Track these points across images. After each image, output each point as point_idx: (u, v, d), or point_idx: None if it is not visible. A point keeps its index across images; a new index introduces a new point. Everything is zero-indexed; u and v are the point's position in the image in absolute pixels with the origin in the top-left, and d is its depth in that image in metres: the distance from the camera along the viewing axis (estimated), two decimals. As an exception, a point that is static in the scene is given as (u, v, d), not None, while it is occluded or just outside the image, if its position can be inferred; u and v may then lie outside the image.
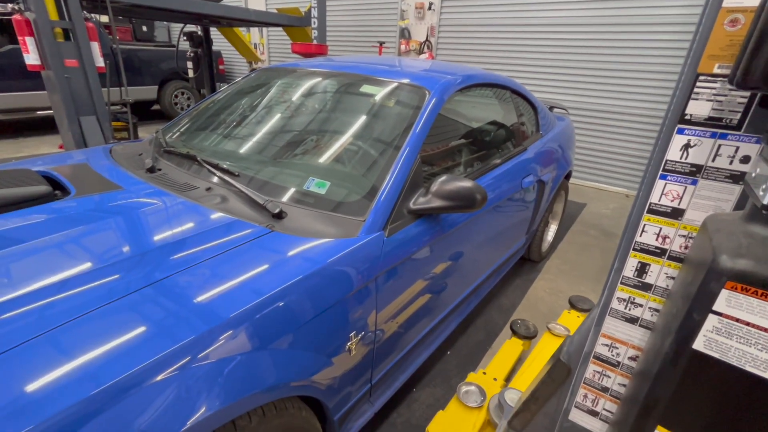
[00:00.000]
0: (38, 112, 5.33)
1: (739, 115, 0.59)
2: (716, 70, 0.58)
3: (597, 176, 4.65)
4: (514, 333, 1.74)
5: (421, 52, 5.51)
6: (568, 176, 2.73)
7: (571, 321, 1.82)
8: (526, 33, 4.63)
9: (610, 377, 0.81)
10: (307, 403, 1.09)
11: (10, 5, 2.68)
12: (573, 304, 1.92)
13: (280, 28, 6.28)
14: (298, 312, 0.92)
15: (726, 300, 0.50)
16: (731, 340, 0.51)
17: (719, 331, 0.51)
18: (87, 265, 0.89)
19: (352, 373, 1.13)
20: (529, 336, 1.71)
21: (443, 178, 1.23)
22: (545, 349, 1.62)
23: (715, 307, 0.51)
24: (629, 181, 4.45)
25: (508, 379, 1.59)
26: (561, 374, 0.86)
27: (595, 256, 2.93)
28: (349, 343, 1.07)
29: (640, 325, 0.75)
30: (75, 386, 0.64)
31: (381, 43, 5.75)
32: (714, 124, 0.61)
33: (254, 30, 7.58)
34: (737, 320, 0.50)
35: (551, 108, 3.05)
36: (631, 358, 0.77)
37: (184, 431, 0.69)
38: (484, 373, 1.50)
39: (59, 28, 2.64)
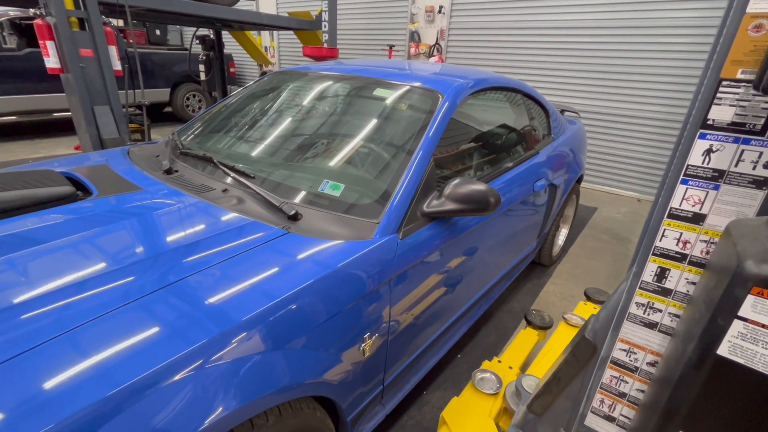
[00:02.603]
0: (54, 114, 5.45)
1: (763, 121, 0.58)
2: (740, 76, 0.58)
3: (608, 180, 4.60)
4: (529, 323, 1.71)
5: (430, 55, 5.52)
6: (579, 180, 2.71)
7: (588, 312, 1.79)
8: (536, 36, 4.61)
9: (627, 383, 0.80)
10: (321, 404, 1.09)
11: (32, 10, 2.75)
12: (589, 296, 1.89)
13: (291, 32, 6.34)
14: (314, 314, 0.93)
15: (752, 305, 0.49)
16: (757, 345, 0.50)
17: (744, 337, 0.51)
18: (106, 267, 0.90)
19: (365, 373, 1.14)
20: (544, 326, 1.68)
21: (456, 181, 1.23)
22: (561, 338, 1.59)
23: (740, 313, 0.50)
24: (641, 185, 4.40)
25: (523, 369, 1.57)
26: (586, 352, 0.83)
27: (607, 261, 2.90)
28: (363, 345, 1.08)
29: (659, 331, 0.74)
30: (93, 386, 0.65)
31: (391, 47, 5.77)
32: (737, 129, 0.60)
33: (265, 33, 7.67)
34: (763, 326, 0.50)
35: (562, 111, 3.03)
36: (649, 364, 0.77)
37: (202, 430, 0.71)
38: (499, 361, 1.48)
39: (75, 17, 2.71)
